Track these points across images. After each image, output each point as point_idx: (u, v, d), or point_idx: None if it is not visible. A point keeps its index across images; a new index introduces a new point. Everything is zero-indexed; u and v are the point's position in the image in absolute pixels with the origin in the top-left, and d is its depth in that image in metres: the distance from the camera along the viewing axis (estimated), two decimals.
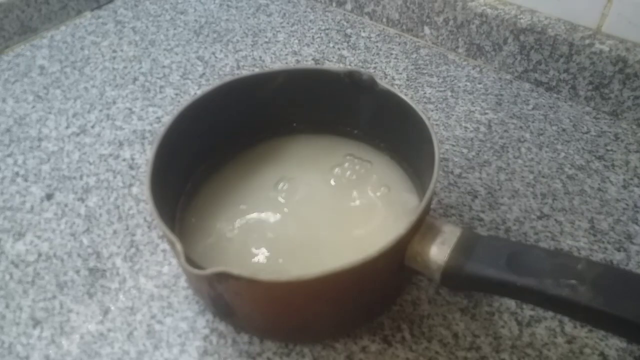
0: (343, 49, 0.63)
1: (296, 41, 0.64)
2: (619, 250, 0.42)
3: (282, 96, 0.44)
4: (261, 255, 0.38)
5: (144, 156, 0.51)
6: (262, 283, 0.30)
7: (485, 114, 0.54)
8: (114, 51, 0.64)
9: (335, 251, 0.38)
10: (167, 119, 0.39)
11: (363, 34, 0.65)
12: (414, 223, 0.32)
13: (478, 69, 0.60)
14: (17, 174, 0.49)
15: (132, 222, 0.45)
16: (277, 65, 0.61)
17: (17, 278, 0.41)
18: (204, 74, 0.60)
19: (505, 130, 0.52)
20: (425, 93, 0.57)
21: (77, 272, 0.41)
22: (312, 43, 0.64)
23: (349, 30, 0.66)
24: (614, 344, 0.36)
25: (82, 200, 0.47)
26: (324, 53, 0.62)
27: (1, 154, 0.51)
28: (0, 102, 0.57)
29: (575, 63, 0.53)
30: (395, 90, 0.39)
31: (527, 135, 0.52)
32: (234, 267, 0.29)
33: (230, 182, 0.43)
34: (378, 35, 0.65)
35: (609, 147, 0.51)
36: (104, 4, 0.72)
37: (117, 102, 0.57)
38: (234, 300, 0.34)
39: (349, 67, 0.56)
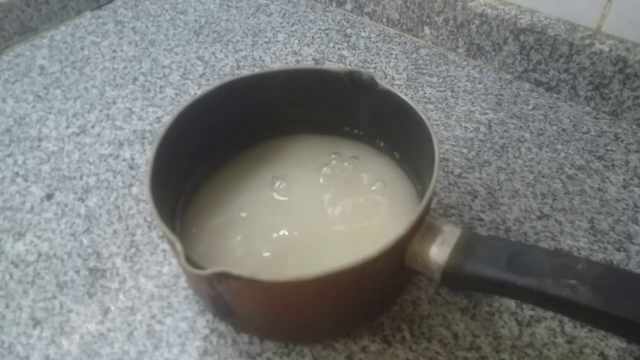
0: (343, 49, 0.63)
1: (296, 41, 0.64)
2: (619, 250, 0.42)
3: (282, 96, 0.44)
4: (261, 255, 0.38)
5: (144, 156, 0.51)
6: (262, 283, 0.30)
7: (485, 114, 0.54)
8: (114, 51, 0.64)
9: (335, 251, 0.38)
10: (167, 119, 0.39)
11: (363, 34, 0.65)
12: (414, 223, 0.32)
13: (478, 69, 0.60)
14: (17, 174, 0.49)
15: (132, 222, 0.45)
16: (277, 65, 0.61)
17: (17, 278, 0.41)
18: (204, 74, 0.60)
19: (505, 130, 0.52)
20: (425, 93, 0.57)
21: (77, 272, 0.41)
22: (312, 43, 0.64)
23: (349, 30, 0.66)
24: (614, 344, 0.36)
25: (82, 200, 0.47)
26: (324, 53, 0.62)
27: (1, 154, 0.51)
28: (0, 102, 0.57)
29: (575, 63, 0.53)
30: (395, 90, 0.39)
31: (527, 135, 0.52)
32: (234, 267, 0.29)
33: (230, 182, 0.43)
34: (378, 35, 0.65)
35: (609, 147, 0.51)
36: (104, 4, 0.72)
37: (117, 102, 0.57)
38: (234, 300, 0.34)
39: (349, 67, 0.56)
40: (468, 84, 0.58)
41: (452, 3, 0.58)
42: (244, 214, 0.41)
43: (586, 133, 0.52)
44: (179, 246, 0.29)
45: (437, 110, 0.55)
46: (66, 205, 0.46)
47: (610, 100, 0.53)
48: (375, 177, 0.43)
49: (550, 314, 0.38)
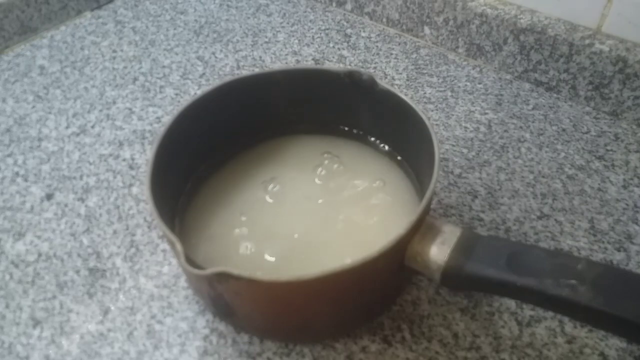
0: (343, 49, 0.63)
1: (296, 41, 0.64)
2: (619, 250, 0.42)
3: (282, 96, 0.44)
4: (261, 255, 0.38)
5: (144, 156, 0.51)
6: (262, 283, 0.30)
7: (485, 114, 0.54)
8: (114, 51, 0.64)
9: (335, 251, 0.38)
10: (167, 119, 0.39)
11: (363, 34, 0.65)
12: (414, 223, 0.32)
13: (478, 69, 0.60)
14: (17, 174, 0.49)
15: (132, 222, 0.45)
16: (277, 65, 0.61)
17: (17, 278, 0.41)
18: (204, 74, 0.60)
19: (505, 130, 0.52)
20: (425, 93, 0.57)
21: (77, 272, 0.41)
22: (312, 43, 0.64)
23: (349, 30, 0.66)
24: (614, 344, 0.36)
25: (82, 200, 0.47)
26: (324, 53, 0.62)
27: (1, 154, 0.51)
28: (0, 102, 0.57)
29: (575, 63, 0.53)
30: (395, 90, 0.39)
31: (527, 135, 0.52)
32: (234, 267, 0.29)
33: (230, 182, 0.43)
34: (378, 35, 0.65)
35: (609, 147, 0.51)
36: (104, 4, 0.72)
37: (117, 102, 0.57)
38: (234, 300, 0.34)
39: (349, 67, 0.56)
40: (468, 84, 0.58)
41: (452, 3, 0.58)
42: (243, 214, 0.41)
43: (586, 133, 0.52)
44: (179, 246, 0.29)
45: (437, 110, 0.55)
46: (66, 205, 0.46)
47: (610, 100, 0.53)
48: (375, 177, 0.43)
49: (550, 314, 0.38)
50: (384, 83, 0.40)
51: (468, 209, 0.45)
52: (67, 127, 0.54)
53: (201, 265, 0.31)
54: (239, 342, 0.37)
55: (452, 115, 0.54)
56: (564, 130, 0.52)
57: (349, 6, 0.68)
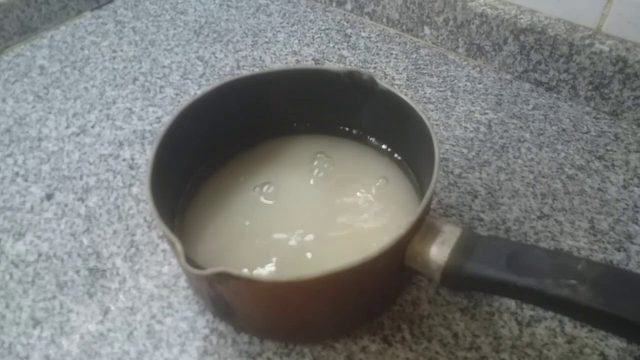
0: (343, 49, 0.63)
1: (296, 41, 0.64)
2: (619, 250, 0.42)
3: (282, 96, 0.44)
4: (261, 255, 0.38)
5: (144, 156, 0.51)
6: (262, 283, 0.30)
7: (485, 114, 0.54)
8: (114, 51, 0.64)
9: (335, 251, 0.38)
10: (167, 119, 0.39)
11: (363, 34, 0.65)
12: (414, 223, 0.32)
13: (478, 69, 0.60)
14: (17, 174, 0.49)
15: (132, 222, 0.45)
16: (277, 65, 0.61)
17: (17, 278, 0.41)
18: (204, 74, 0.60)
19: (505, 130, 0.52)
20: (425, 93, 0.57)
21: (77, 272, 0.41)
22: (312, 43, 0.64)
23: (349, 30, 0.66)
24: (614, 344, 0.36)
25: (82, 200, 0.47)
26: (324, 53, 0.62)
27: (1, 154, 0.51)
28: (0, 102, 0.57)
29: (575, 63, 0.53)
30: (395, 90, 0.39)
31: (527, 135, 0.52)
32: (234, 267, 0.29)
33: (230, 182, 0.43)
34: (378, 35, 0.65)
35: (609, 147, 0.51)
36: (104, 4, 0.72)
37: (117, 102, 0.57)
38: (234, 300, 0.34)
39: (349, 67, 0.56)
40: (468, 84, 0.58)
41: (452, 3, 0.58)
42: (243, 214, 0.41)
43: (586, 133, 0.52)
44: (179, 246, 0.29)
45: (437, 110, 0.55)
46: (66, 205, 0.46)
47: (610, 100, 0.53)
48: (375, 177, 0.43)
49: (550, 314, 0.38)
50: (384, 83, 0.40)
51: (468, 209, 0.45)
52: (67, 127, 0.54)
53: (201, 265, 0.31)
54: (239, 342, 0.37)
55: (452, 115, 0.54)
56: (564, 130, 0.52)
57: (349, 6, 0.68)
